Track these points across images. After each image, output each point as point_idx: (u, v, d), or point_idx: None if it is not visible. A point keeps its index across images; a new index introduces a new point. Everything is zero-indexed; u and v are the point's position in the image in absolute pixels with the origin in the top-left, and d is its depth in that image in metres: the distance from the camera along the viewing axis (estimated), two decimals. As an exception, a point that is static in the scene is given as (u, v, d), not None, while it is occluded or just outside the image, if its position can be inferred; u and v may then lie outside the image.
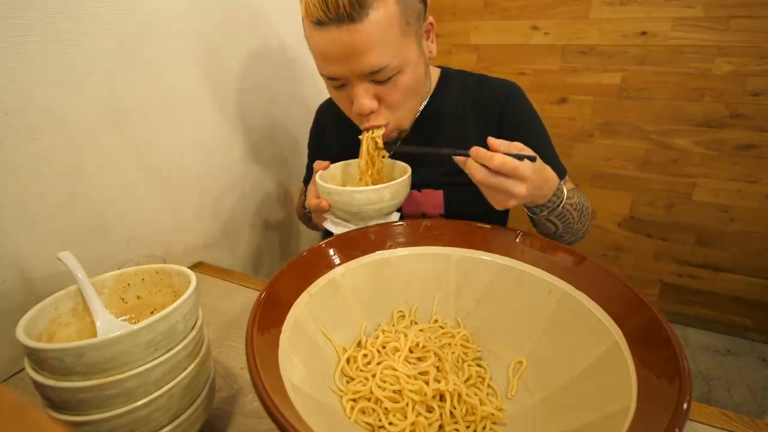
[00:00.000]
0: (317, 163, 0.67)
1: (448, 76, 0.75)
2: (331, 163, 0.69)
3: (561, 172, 0.70)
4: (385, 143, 0.65)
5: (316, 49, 0.58)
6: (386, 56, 0.56)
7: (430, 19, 0.63)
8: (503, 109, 0.70)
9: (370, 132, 0.63)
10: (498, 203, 0.52)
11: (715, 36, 1.33)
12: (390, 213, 0.64)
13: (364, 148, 0.64)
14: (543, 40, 1.55)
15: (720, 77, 1.36)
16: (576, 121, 1.59)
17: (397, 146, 0.68)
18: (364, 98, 0.59)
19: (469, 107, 0.71)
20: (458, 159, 0.52)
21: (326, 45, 0.55)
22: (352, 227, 0.62)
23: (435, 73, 0.75)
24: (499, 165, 0.48)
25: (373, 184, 0.67)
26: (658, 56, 1.41)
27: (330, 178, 0.68)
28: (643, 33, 1.41)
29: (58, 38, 0.56)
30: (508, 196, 0.50)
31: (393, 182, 0.59)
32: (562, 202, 0.58)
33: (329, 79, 0.61)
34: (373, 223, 0.62)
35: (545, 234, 0.65)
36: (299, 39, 1.04)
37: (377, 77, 0.58)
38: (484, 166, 0.49)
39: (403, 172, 0.64)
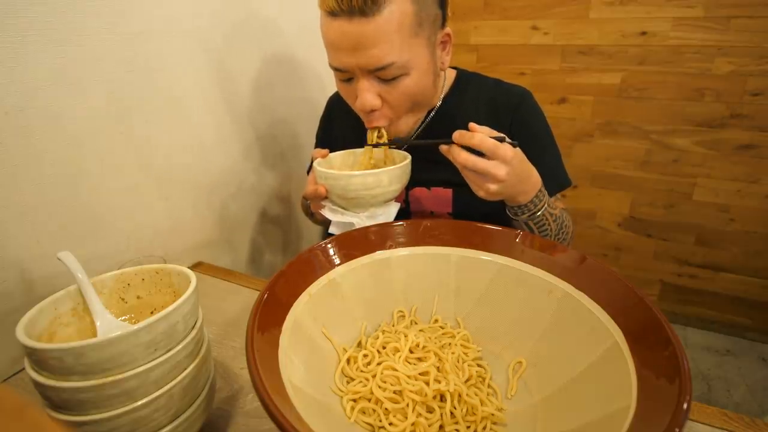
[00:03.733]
0: (316, 151, 0.67)
1: (463, 77, 0.76)
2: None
3: (562, 183, 0.71)
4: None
5: (326, 38, 0.59)
6: (393, 54, 0.56)
7: (448, 30, 0.63)
8: (515, 114, 0.70)
9: (376, 132, 0.64)
10: (481, 188, 0.54)
11: (715, 36, 1.33)
12: (388, 200, 0.62)
13: (369, 142, 0.65)
14: (543, 40, 1.55)
15: (720, 77, 1.36)
16: (576, 121, 1.59)
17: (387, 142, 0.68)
18: (366, 94, 0.60)
19: (483, 109, 0.72)
20: (443, 147, 0.54)
21: (336, 36, 0.56)
22: (351, 215, 0.61)
23: (450, 74, 0.75)
24: (478, 142, 0.50)
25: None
26: (658, 56, 1.41)
27: (328, 166, 0.68)
28: (643, 33, 1.41)
29: (58, 38, 0.56)
30: (490, 179, 0.52)
31: (391, 167, 0.58)
32: (544, 206, 0.59)
33: (336, 70, 0.61)
34: (371, 210, 0.61)
35: None
36: (304, 40, 1.05)
37: (382, 74, 0.58)
38: (466, 149, 0.52)
39: (403, 159, 0.63)
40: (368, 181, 0.57)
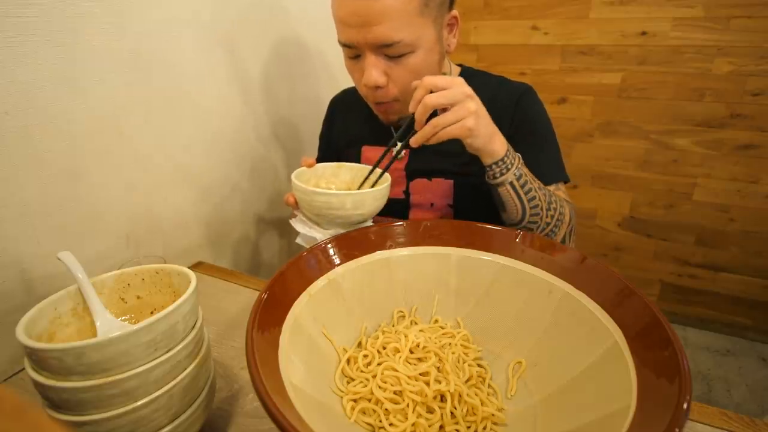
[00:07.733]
0: (304, 159, 0.67)
1: (467, 73, 0.76)
2: (338, 153, 0.69)
3: (560, 176, 0.70)
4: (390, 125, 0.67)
5: (336, 15, 0.61)
6: (400, 31, 0.57)
7: (455, 12, 0.65)
8: (516, 109, 0.70)
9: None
10: (458, 125, 0.52)
11: (715, 36, 1.33)
12: (357, 223, 0.59)
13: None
14: (543, 40, 1.55)
15: (720, 77, 1.36)
16: (576, 121, 1.59)
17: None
18: (372, 70, 0.61)
19: (485, 105, 0.71)
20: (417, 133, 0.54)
21: (345, 12, 0.58)
22: (318, 231, 0.59)
23: (455, 71, 0.76)
24: (437, 79, 0.51)
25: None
26: (658, 56, 1.41)
27: (314, 175, 0.66)
28: (643, 33, 1.41)
29: (58, 38, 0.56)
30: (464, 110, 0.51)
31: (357, 191, 0.56)
32: (518, 163, 0.57)
33: (344, 46, 0.63)
34: (336, 230, 0.58)
35: (510, 221, 0.63)
36: (309, 40, 1.05)
37: (389, 51, 0.60)
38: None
39: (384, 182, 0.61)
40: (332, 201, 0.55)
